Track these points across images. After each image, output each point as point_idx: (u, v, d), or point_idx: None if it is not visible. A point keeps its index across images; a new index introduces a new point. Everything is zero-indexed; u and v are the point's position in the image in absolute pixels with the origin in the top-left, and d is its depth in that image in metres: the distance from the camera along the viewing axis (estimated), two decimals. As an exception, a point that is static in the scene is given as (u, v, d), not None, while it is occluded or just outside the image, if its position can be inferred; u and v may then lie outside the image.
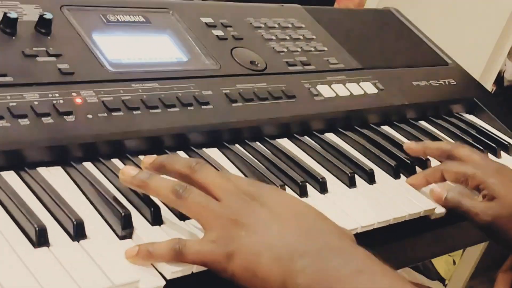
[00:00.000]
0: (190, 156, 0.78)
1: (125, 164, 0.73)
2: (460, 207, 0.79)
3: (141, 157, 0.75)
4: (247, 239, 0.59)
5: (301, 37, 1.05)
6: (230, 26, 0.98)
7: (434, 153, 0.89)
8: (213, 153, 0.80)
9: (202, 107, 0.82)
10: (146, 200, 0.66)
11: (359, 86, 1.01)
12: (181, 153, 0.78)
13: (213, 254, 0.60)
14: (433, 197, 0.81)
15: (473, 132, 1.06)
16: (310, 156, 0.87)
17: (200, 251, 0.60)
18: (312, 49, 1.04)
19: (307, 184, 0.78)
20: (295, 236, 0.60)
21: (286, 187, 0.76)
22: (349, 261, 0.59)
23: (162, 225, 0.65)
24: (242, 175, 0.77)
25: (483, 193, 0.80)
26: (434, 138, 1.01)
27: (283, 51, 1.00)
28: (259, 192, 0.63)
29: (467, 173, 0.81)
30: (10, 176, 0.66)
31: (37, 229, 0.58)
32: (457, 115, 1.13)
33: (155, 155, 0.68)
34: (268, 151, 0.84)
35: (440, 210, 0.82)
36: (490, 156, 1.01)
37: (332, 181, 0.82)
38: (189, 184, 0.63)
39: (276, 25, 1.05)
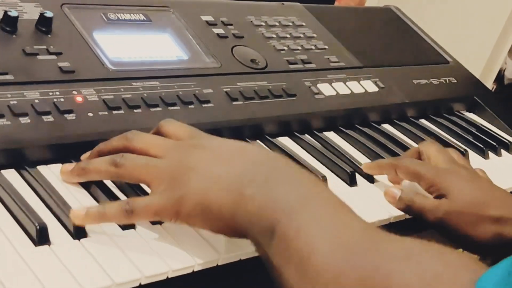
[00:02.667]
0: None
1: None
2: (413, 205, 0.78)
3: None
4: (194, 179, 0.60)
5: (302, 36, 1.05)
6: (231, 25, 0.98)
7: (408, 154, 0.87)
8: (214, 151, 0.80)
9: (203, 105, 0.82)
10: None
11: (360, 84, 1.01)
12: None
13: (163, 203, 0.60)
14: (387, 198, 0.79)
15: (474, 131, 1.06)
16: (310, 154, 0.87)
17: (150, 204, 0.60)
18: (313, 47, 1.04)
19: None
20: (242, 167, 0.61)
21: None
22: (296, 188, 0.59)
23: (163, 224, 0.65)
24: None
25: (433, 194, 0.78)
26: (435, 136, 1.01)
27: (283, 50, 1.00)
28: (199, 141, 0.64)
29: (419, 173, 0.79)
30: (11, 174, 0.66)
31: (37, 227, 0.58)
32: (457, 113, 1.12)
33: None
34: (269, 149, 0.84)
35: None
36: (491, 154, 1.01)
37: (332, 179, 0.82)
38: (124, 153, 0.63)
39: (277, 24, 1.04)
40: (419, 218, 0.78)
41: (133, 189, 0.67)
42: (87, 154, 0.68)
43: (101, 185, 0.67)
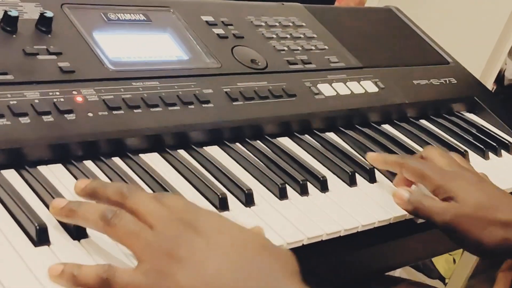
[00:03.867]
0: (190, 155, 0.78)
1: (125, 163, 0.73)
2: (422, 207, 0.77)
3: (141, 155, 0.75)
4: (180, 276, 0.54)
5: (302, 36, 1.05)
6: (231, 25, 0.98)
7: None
8: (214, 151, 0.80)
9: (203, 105, 0.82)
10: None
11: (360, 84, 1.01)
12: (182, 152, 0.78)
13: (141, 286, 0.54)
14: (395, 199, 0.78)
15: (474, 131, 1.06)
16: (310, 154, 0.87)
17: (129, 284, 0.54)
18: (313, 47, 1.04)
19: (307, 182, 0.78)
20: (234, 275, 0.54)
21: (287, 186, 0.76)
22: None
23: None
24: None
25: (440, 197, 0.78)
26: (435, 137, 1.00)
27: (283, 50, 1.00)
28: (195, 219, 0.58)
29: (425, 174, 0.79)
30: (11, 174, 0.66)
31: (37, 227, 0.58)
32: (457, 114, 1.12)
33: (88, 180, 0.64)
34: (269, 150, 0.84)
35: None
36: (491, 155, 1.01)
37: (332, 180, 0.82)
38: (119, 209, 0.58)
39: (277, 24, 1.04)
40: (427, 221, 0.78)
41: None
42: (83, 183, 0.62)
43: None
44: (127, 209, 0.58)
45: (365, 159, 0.88)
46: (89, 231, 0.60)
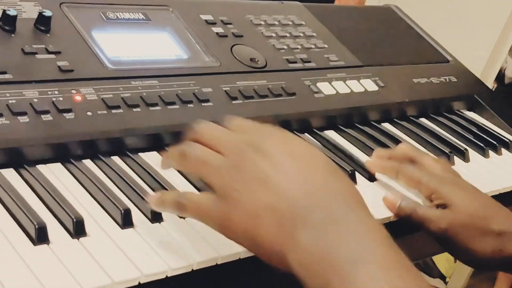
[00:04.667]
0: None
1: (125, 162, 0.73)
2: (415, 214, 0.76)
3: (141, 154, 0.75)
4: (246, 199, 0.56)
5: (301, 35, 1.05)
6: (230, 23, 0.98)
7: (399, 156, 0.85)
8: (213, 150, 0.80)
9: (202, 104, 0.82)
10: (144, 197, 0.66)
11: (360, 83, 1.01)
12: (181, 151, 0.78)
13: (211, 212, 0.58)
14: (386, 204, 0.78)
15: (474, 129, 1.06)
16: (310, 153, 0.87)
17: (199, 207, 0.59)
18: (313, 46, 1.04)
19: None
20: (299, 198, 0.55)
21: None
22: (354, 242, 0.53)
23: (162, 222, 0.65)
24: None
25: (435, 202, 0.77)
26: (435, 135, 1.00)
27: (283, 49, 1.00)
28: (261, 141, 0.59)
29: (421, 180, 0.79)
30: (10, 174, 0.66)
31: (36, 226, 0.58)
32: (457, 112, 1.12)
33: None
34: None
35: None
36: (491, 153, 1.01)
37: (332, 178, 0.82)
38: (193, 142, 0.61)
39: (276, 22, 1.04)
40: (419, 228, 0.77)
41: (137, 194, 0.67)
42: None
43: (101, 183, 0.67)
44: (201, 142, 0.61)
45: (365, 158, 0.88)
46: (87, 229, 0.60)
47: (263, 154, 0.58)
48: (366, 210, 0.58)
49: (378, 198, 0.80)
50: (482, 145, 1.00)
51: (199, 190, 0.72)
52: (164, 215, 0.65)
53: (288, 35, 1.03)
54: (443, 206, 0.77)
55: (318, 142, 0.89)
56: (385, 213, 0.78)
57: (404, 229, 0.80)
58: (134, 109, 0.76)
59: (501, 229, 0.76)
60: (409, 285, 0.52)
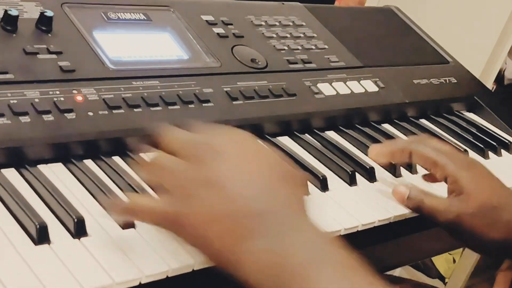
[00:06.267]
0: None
1: (125, 162, 0.73)
2: (423, 205, 0.76)
3: (142, 154, 0.75)
4: (201, 202, 0.56)
5: (302, 35, 1.05)
6: (231, 24, 0.98)
7: (401, 148, 0.82)
8: (214, 150, 0.80)
9: (203, 105, 0.82)
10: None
11: (360, 84, 1.01)
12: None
13: (164, 215, 0.58)
14: (395, 196, 0.78)
15: (474, 130, 1.06)
16: (310, 153, 0.87)
17: (154, 210, 0.58)
18: (313, 47, 1.04)
19: (307, 182, 0.78)
20: (252, 204, 0.56)
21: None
22: (309, 245, 0.54)
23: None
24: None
25: (450, 186, 0.76)
26: (435, 136, 1.00)
27: (283, 49, 1.00)
28: (219, 143, 0.60)
29: (438, 161, 0.77)
30: (11, 173, 0.66)
31: (37, 226, 0.58)
32: (457, 113, 1.13)
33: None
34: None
35: None
36: (491, 154, 1.01)
37: (332, 179, 0.82)
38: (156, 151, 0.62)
39: (277, 23, 1.04)
40: (429, 218, 0.77)
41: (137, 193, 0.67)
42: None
43: (102, 183, 0.67)
44: (161, 147, 0.61)
45: (365, 159, 0.88)
46: (89, 229, 0.61)
47: (220, 158, 0.58)
48: (310, 217, 0.59)
49: (377, 199, 0.80)
50: (482, 146, 1.01)
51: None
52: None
53: (288, 35, 1.03)
54: (457, 192, 0.76)
55: (318, 143, 0.89)
56: (384, 214, 0.78)
57: (404, 229, 0.81)
58: (135, 109, 0.77)
59: (511, 218, 0.76)
60: (365, 281, 0.53)
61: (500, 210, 0.76)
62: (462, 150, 0.97)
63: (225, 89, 0.86)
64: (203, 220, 0.56)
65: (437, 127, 1.05)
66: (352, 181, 0.82)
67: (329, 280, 0.52)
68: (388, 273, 1.00)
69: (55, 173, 0.68)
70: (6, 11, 0.77)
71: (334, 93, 0.97)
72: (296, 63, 0.98)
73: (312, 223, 0.58)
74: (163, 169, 0.59)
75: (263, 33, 1.01)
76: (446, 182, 0.78)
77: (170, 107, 0.79)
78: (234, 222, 0.55)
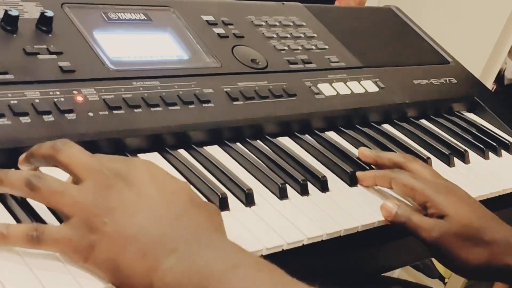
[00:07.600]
0: (191, 155, 0.78)
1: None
2: (409, 222, 0.76)
3: (141, 155, 0.75)
4: (110, 228, 0.55)
5: (302, 35, 1.05)
6: (231, 24, 0.98)
7: (386, 163, 0.85)
8: (214, 151, 0.80)
9: (203, 105, 0.82)
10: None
11: (360, 84, 1.01)
12: (182, 151, 0.78)
13: (72, 243, 0.55)
14: (383, 212, 0.78)
15: (474, 131, 1.06)
16: (311, 154, 0.87)
17: (58, 239, 0.55)
18: (313, 47, 1.04)
19: (308, 182, 0.78)
20: (163, 226, 0.56)
21: (287, 186, 0.76)
22: (222, 255, 0.55)
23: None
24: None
25: (429, 211, 0.77)
26: (435, 136, 1.01)
27: (284, 49, 1.00)
28: (126, 169, 0.58)
29: (416, 188, 0.78)
30: (11, 174, 0.66)
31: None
32: (458, 113, 1.12)
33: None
34: (269, 149, 0.84)
35: None
36: (491, 154, 1.01)
37: (333, 180, 0.82)
38: (42, 173, 0.58)
39: (277, 23, 1.04)
40: (413, 236, 0.77)
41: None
42: (23, 156, 0.63)
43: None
44: (59, 163, 0.59)
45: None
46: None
47: (128, 183, 0.57)
48: (225, 235, 0.60)
49: (377, 200, 0.80)
50: (482, 146, 1.01)
51: (201, 192, 0.72)
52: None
53: (289, 36, 1.03)
54: (437, 214, 0.77)
55: (318, 143, 0.89)
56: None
57: (402, 231, 0.80)
58: (135, 110, 0.77)
59: (493, 239, 0.76)
60: (290, 284, 0.54)
61: (481, 232, 0.76)
62: (462, 150, 0.97)
63: (225, 90, 0.86)
64: (115, 245, 0.55)
65: (437, 128, 1.05)
66: (352, 182, 0.82)
67: (247, 279, 0.53)
68: (388, 273, 1.00)
69: (54, 173, 0.68)
70: (6, 11, 0.77)
71: (335, 93, 0.97)
72: (296, 63, 0.98)
73: (226, 239, 0.58)
74: (62, 195, 0.56)
75: (263, 33, 1.01)
76: (425, 208, 0.78)
77: (170, 108, 0.79)
78: (146, 244, 0.55)
